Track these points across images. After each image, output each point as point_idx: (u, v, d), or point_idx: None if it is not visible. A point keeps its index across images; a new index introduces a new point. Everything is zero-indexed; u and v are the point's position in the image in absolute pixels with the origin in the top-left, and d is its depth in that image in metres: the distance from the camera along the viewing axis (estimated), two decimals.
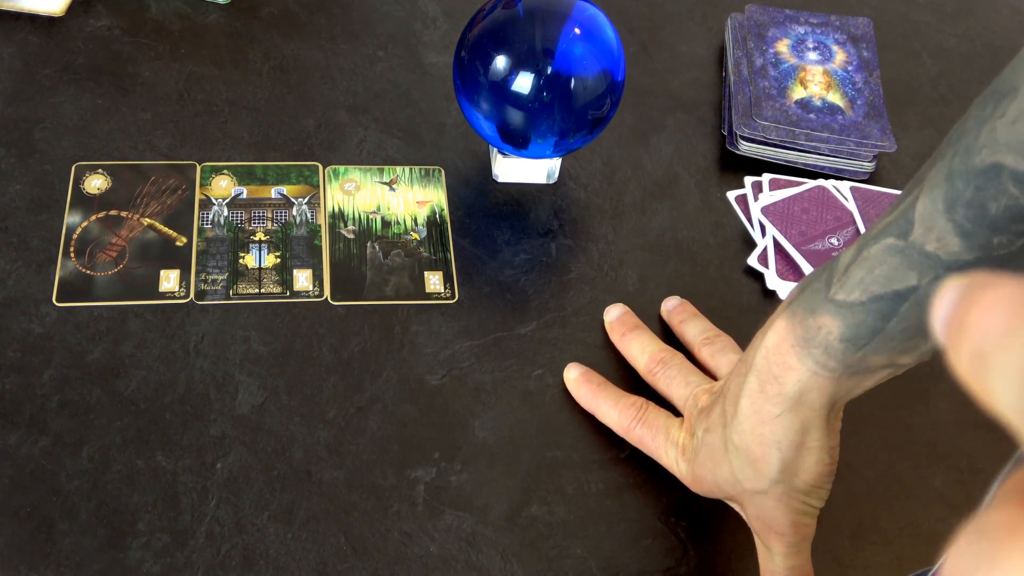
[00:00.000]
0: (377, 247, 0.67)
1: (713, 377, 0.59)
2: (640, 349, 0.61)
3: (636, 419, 0.58)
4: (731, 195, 0.72)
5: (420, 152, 0.72)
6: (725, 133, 0.76)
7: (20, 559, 0.52)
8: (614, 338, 0.63)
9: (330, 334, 0.62)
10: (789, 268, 0.68)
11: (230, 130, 0.72)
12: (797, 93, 0.76)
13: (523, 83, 0.62)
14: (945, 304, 0.17)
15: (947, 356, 0.17)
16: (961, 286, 0.17)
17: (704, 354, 0.61)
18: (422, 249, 0.67)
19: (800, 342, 0.48)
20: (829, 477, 0.51)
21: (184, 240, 0.66)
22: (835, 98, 0.76)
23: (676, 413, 0.58)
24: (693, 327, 0.63)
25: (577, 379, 0.61)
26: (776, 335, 0.49)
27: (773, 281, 0.68)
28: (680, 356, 0.60)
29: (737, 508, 0.55)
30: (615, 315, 0.64)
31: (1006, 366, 0.16)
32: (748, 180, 0.73)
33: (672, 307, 0.65)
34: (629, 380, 0.62)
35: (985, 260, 0.43)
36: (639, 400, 0.59)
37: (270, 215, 0.67)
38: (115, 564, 0.52)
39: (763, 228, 0.70)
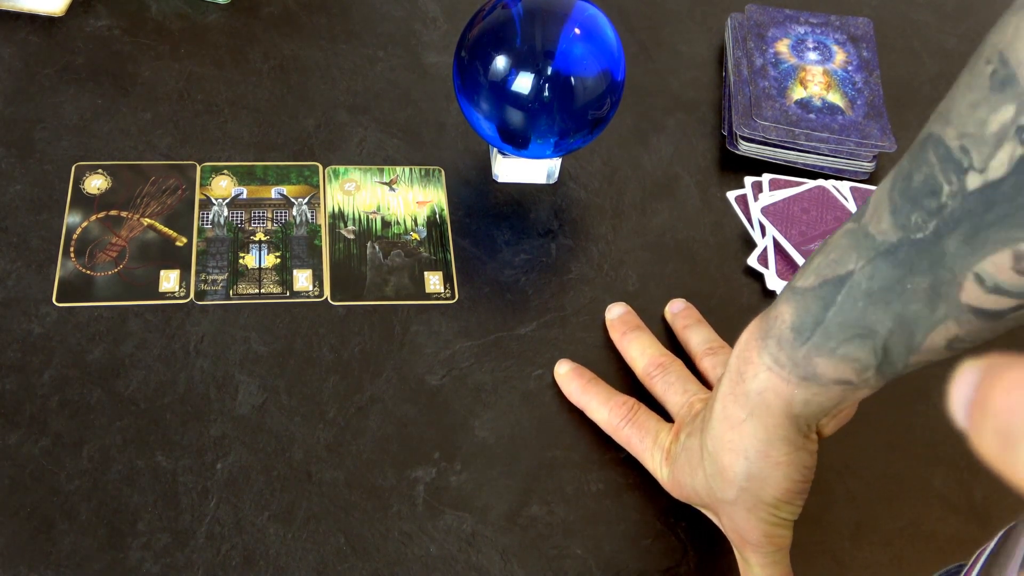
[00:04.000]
0: (377, 247, 0.67)
1: (711, 388, 0.59)
2: (640, 351, 0.61)
3: (626, 419, 0.58)
4: (731, 195, 0.72)
5: (420, 152, 0.72)
6: (725, 133, 0.76)
7: (20, 559, 0.52)
8: (614, 337, 0.63)
9: (330, 334, 0.62)
10: (789, 268, 0.68)
11: (230, 130, 0.72)
12: (797, 93, 0.76)
13: (523, 83, 0.62)
14: (964, 386, 0.17)
15: (970, 439, 0.17)
16: (979, 368, 0.17)
17: (706, 364, 0.60)
18: (422, 249, 0.67)
19: (761, 334, 0.48)
20: (800, 495, 0.50)
21: (184, 240, 0.66)
22: (835, 98, 0.76)
23: (667, 418, 0.58)
24: (697, 334, 0.62)
25: (567, 374, 0.61)
26: (746, 331, 0.49)
27: (773, 281, 0.68)
28: (680, 363, 0.60)
29: (714, 519, 0.55)
30: (616, 314, 0.64)
31: None
32: (748, 180, 0.73)
33: (677, 310, 0.65)
34: (627, 381, 0.62)
35: (905, 244, 0.42)
36: (630, 400, 0.59)
37: (270, 215, 0.67)
38: (115, 564, 0.52)
39: (763, 228, 0.70)
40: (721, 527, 0.54)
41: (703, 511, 0.56)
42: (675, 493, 0.55)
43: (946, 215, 0.40)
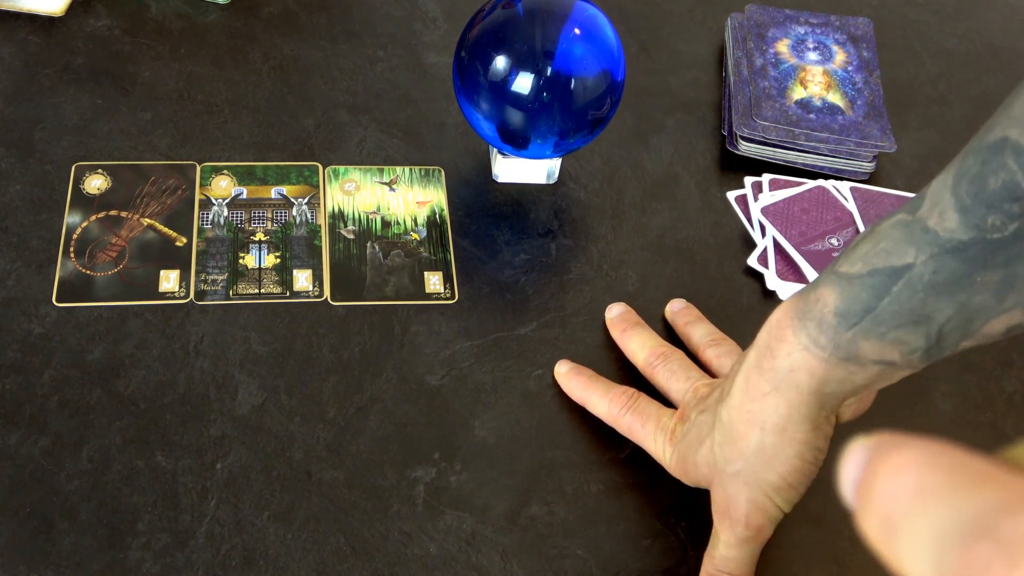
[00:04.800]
0: (377, 247, 0.67)
1: (715, 376, 0.59)
2: (640, 344, 0.61)
3: (626, 407, 0.58)
4: (731, 195, 0.72)
5: (420, 152, 0.72)
6: (725, 133, 0.76)
7: (20, 559, 0.52)
8: (615, 334, 0.63)
9: (330, 334, 0.62)
10: (789, 268, 0.68)
11: (230, 130, 0.72)
12: (797, 93, 0.76)
13: (523, 83, 0.62)
14: (852, 465, 0.17)
15: (857, 519, 0.17)
16: (867, 447, 0.17)
17: (709, 355, 0.61)
18: (422, 249, 0.67)
19: (798, 314, 0.48)
20: (804, 478, 0.50)
21: (184, 240, 0.66)
22: (835, 98, 0.76)
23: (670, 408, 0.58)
24: (699, 329, 0.63)
25: (567, 372, 0.61)
26: (781, 310, 0.49)
27: (773, 281, 0.68)
28: (681, 352, 0.60)
29: (710, 493, 0.54)
30: (616, 312, 0.64)
31: (914, 534, 0.16)
32: (748, 180, 0.73)
33: (677, 309, 0.65)
34: (628, 380, 0.62)
35: (979, 242, 0.42)
36: (630, 390, 0.59)
37: (270, 215, 0.67)
38: (115, 564, 0.52)
39: (763, 228, 0.70)
40: (712, 503, 0.53)
41: (699, 487, 0.55)
42: (678, 473, 0.55)
43: None
